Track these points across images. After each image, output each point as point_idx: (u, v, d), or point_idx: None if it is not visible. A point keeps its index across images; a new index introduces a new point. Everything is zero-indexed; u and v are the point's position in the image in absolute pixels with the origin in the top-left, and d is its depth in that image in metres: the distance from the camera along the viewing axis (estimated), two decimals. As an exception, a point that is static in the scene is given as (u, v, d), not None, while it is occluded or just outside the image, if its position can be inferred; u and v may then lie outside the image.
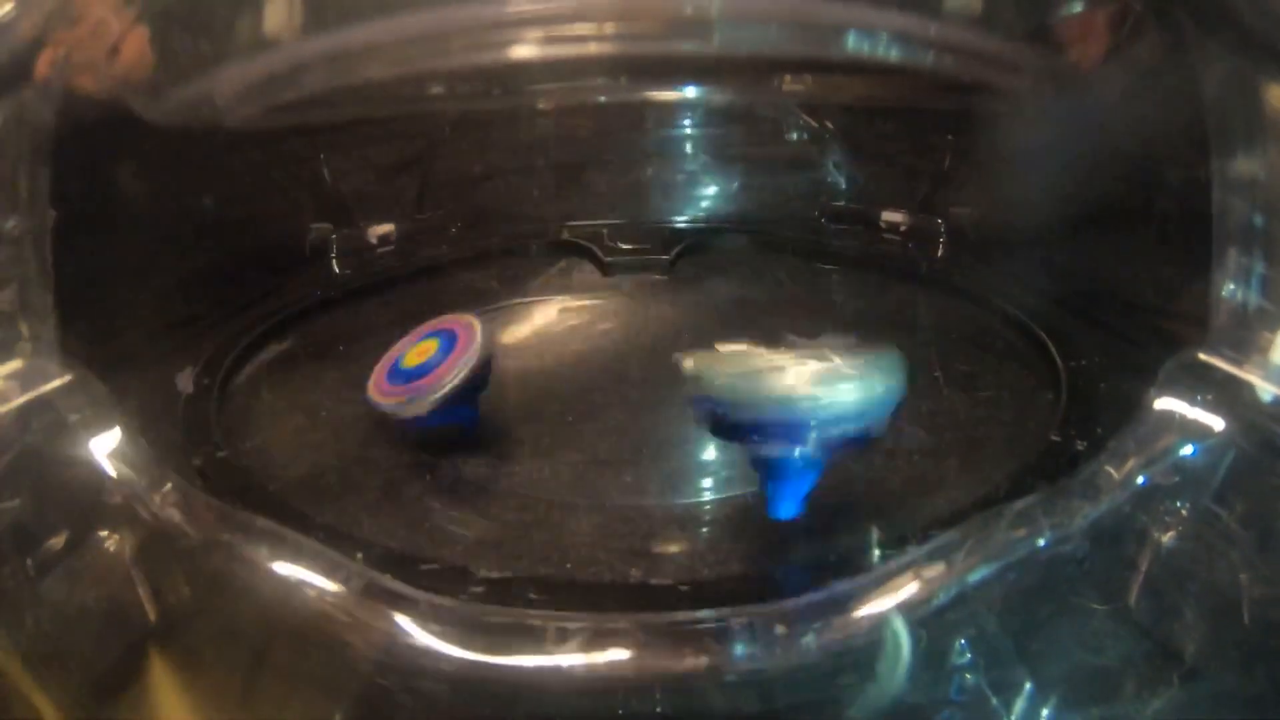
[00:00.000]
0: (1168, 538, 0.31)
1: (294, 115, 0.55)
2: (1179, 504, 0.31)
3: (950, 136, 0.66)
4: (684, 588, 0.33)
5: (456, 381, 0.38)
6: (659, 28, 0.53)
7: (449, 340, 0.40)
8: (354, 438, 0.44)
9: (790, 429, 0.28)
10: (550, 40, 0.53)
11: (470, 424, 0.41)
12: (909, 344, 0.50)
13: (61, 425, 0.34)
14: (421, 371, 0.39)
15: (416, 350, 0.40)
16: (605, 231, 0.66)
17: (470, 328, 0.40)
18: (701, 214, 0.73)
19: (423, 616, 0.28)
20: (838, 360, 0.28)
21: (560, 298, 0.60)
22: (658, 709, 0.27)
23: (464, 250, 0.66)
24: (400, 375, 0.40)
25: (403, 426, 0.40)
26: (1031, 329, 0.50)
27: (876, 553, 0.34)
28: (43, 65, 0.36)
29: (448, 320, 0.42)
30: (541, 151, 0.73)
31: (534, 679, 0.27)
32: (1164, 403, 0.33)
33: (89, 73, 0.41)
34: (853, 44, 0.51)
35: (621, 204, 0.72)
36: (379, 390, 0.40)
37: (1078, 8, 0.51)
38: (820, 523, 0.37)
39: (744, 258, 0.66)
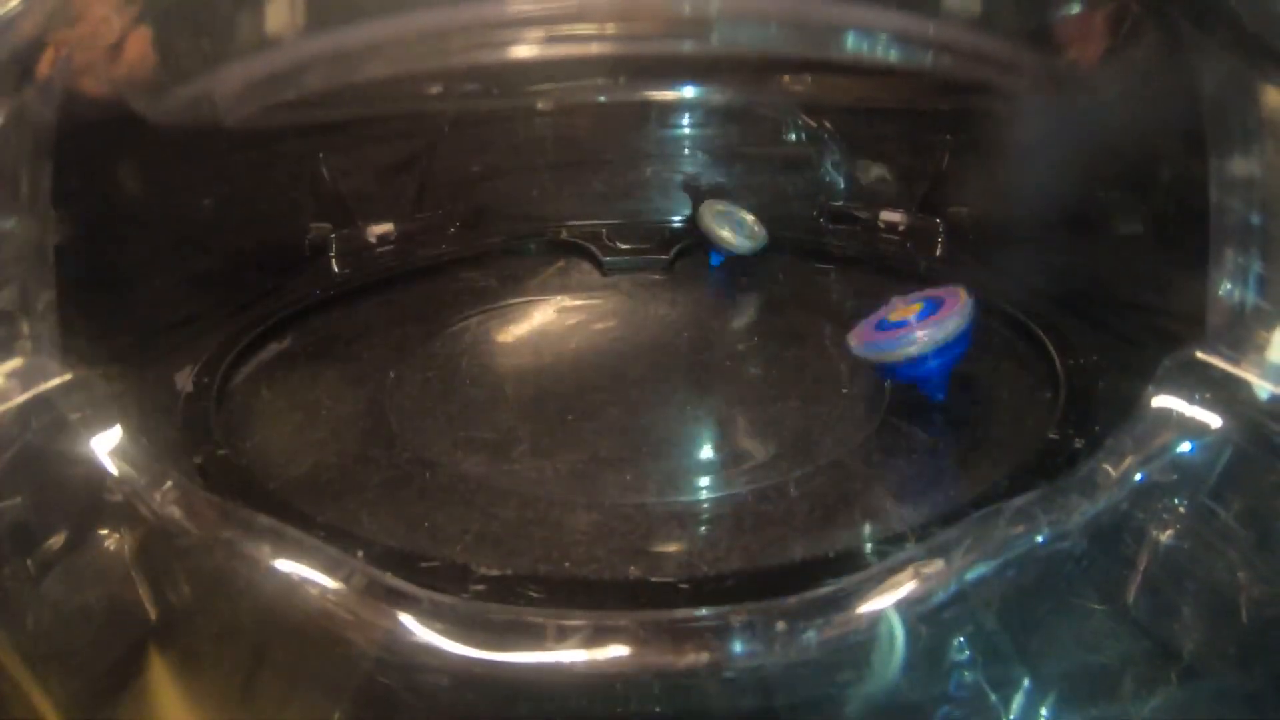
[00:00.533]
0: (1165, 535, 0.31)
1: (294, 114, 0.55)
2: (1177, 501, 0.31)
3: (949, 136, 0.66)
4: (683, 585, 0.33)
5: (927, 338, 0.40)
6: (658, 28, 0.53)
7: (933, 305, 0.42)
8: (354, 436, 0.44)
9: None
10: (550, 40, 0.53)
11: (933, 392, 0.43)
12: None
13: (62, 423, 0.34)
14: (900, 325, 0.42)
15: (901, 310, 0.43)
16: (604, 231, 0.67)
17: (957, 295, 0.42)
18: (700, 213, 0.73)
19: (424, 614, 0.28)
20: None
21: (559, 297, 0.60)
22: (658, 706, 0.27)
23: (463, 249, 0.66)
24: (883, 327, 0.43)
25: (881, 372, 0.44)
26: (1030, 328, 0.50)
27: (875, 550, 0.34)
28: (44, 65, 0.36)
29: (939, 290, 0.44)
30: (541, 151, 0.73)
31: (534, 676, 0.27)
32: (1161, 401, 0.33)
33: (91, 73, 0.41)
34: (852, 44, 0.51)
35: (620, 203, 0.72)
36: (860, 339, 0.43)
37: (1076, 8, 0.51)
38: (820, 521, 0.37)
39: (743, 257, 0.67)
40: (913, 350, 0.41)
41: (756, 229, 0.62)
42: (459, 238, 0.69)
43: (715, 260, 0.63)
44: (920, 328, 0.41)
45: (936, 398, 0.43)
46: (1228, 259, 0.34)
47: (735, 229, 0.61)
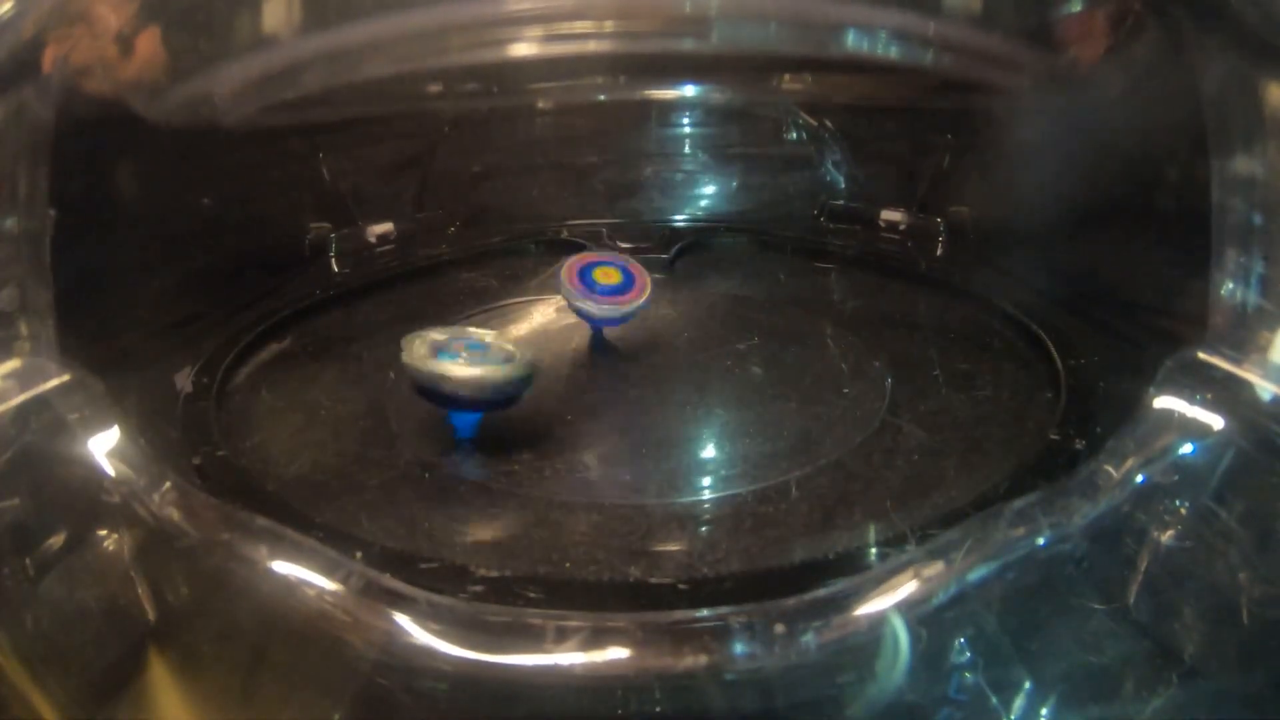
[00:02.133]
0: (1167, 537, 0.31)
1: (293, 114, 0.55)
2: (1178, 503, 0.31)
3: (949, 135, 0.66)
4: (683, 586, 0.33)
5: (638, 304, 0.51)
6: (658, 26, 0.53)
7: (628, 279, 0.51)
8: (353, 437, 0.44)
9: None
10: (549, 38, 0.53)
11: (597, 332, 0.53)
12: (908, 343, 0.51)
13: (60, 424, 0.34)
14: (609, 290, 0.51)
15: (605, 271, 0.51)
16: (604, 230, 0.67)
17: (645, 281, 0.51)
18: (700, 213, 0.73)
19: (422, 615, 0.28)
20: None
21: (559, 296, 0.60)
22: (657, 708, 0.27)
23: (463, 249, 0.66)
24: (591, 284, 0.51)
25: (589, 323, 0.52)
26: (1031, 328, 0.50)
27: (876, 551, 0.34)
28: (45, 64, 0.36)
29: (625, 260, 0.53)
30: (541, 150, 0.73)
31: (533, 678, 0.27)
32: (1163, 401, 0.33)
33: (97, 72, 0.41)
34: (852, 42, 0.51)
35: (621, 203, 0.72)
36: (570, 283, 0.50)
37: (1077, 6, 0.51)
38: (820, 522, 0.37)
39: (743, 256, 0.67)
40: (591, 314, 0.50)
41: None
42: (459, 238, 0.69)
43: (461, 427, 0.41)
44: (607, 304, 0.50)
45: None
46: (1230, 259, 0.34)
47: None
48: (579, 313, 0.51)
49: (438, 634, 0.27)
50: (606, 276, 0.51)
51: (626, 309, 0.50)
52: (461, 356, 0.40)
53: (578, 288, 0.50)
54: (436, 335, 0.41)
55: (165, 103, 0.48)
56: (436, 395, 0.40)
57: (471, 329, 0.44)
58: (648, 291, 0.51)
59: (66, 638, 0.31)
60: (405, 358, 0.40)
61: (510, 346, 0.42)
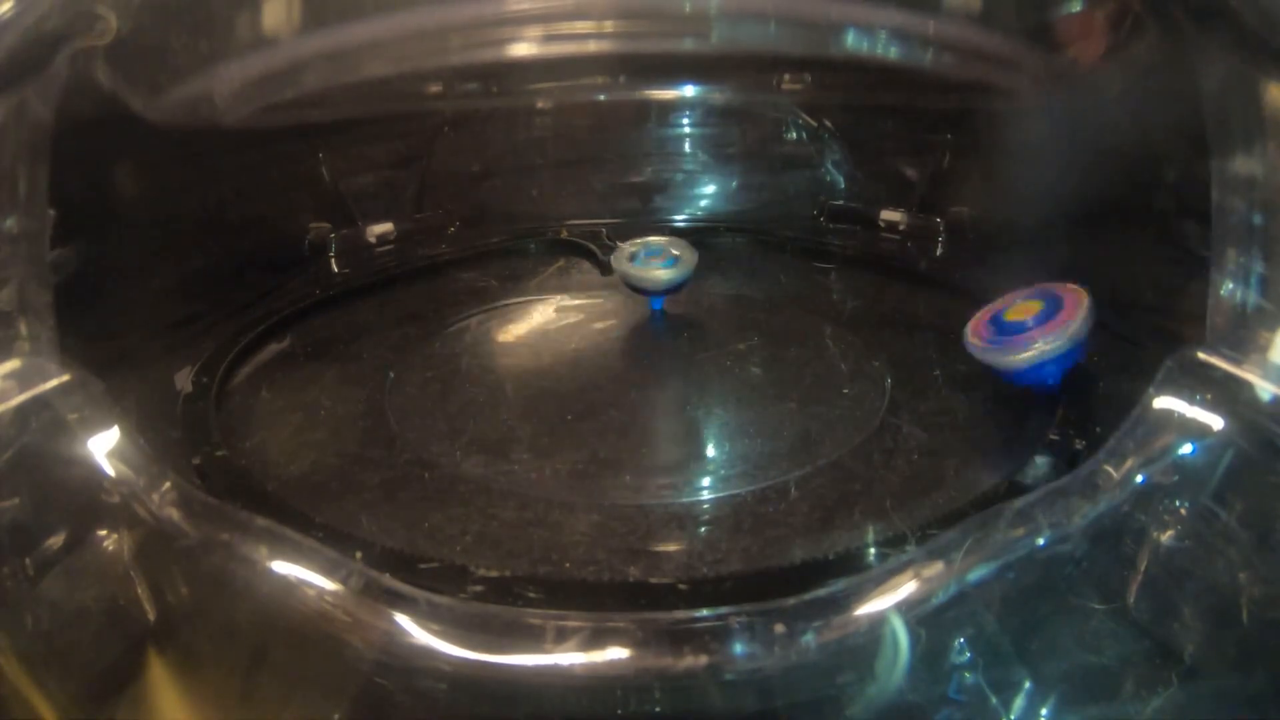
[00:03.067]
0: (1166, 537, 0.31)
1: (293, 114, 0.55)
2: (1178, 503, 0.31)
3: (949, 135, 0.66)
4: (683, 586, 0.33)
5: (1048, 347, 0.41)
6: (658, 26, 0.53)
7: (1053, 305, 0.42)
8: (353, 437, 0.44)
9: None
10: (549, 38, 0.53)
11: (1050, 387, 0.43)
12: (908, 343, 0.51)
13: (60, 424, 0.34)
14: (1019, 328, 0.42)
15: (1022, 307, 0.43)
16: (604, 230, 0.67)
17: (1078, 298, 0.42)
18: (700, 213, 0.73)
19: (422, 615, 0.28)
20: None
21: (559, 297, 0.60)
22: (657, 708, 0.27)
23: (463, 249, 0.66)
24: (1000, 326, 0.43)
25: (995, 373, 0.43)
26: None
27: (875, 552, 0.34)
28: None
29: (1056, 286, 0.44)
30: (540, 150, 0.73)
31: (533, 678, 0.27)
32: (1163, 402, 0.33)
33: None
34: (852, 42, 0.51)
35: (620, 203, 0.72)
36: (979, 337, 0.43)
37: (1077, 6, 0.51)
38: (820, 522, 0.37)
39: (743, 256, 0.67)
40: (1028, 357, 0.41)
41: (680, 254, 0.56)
42: (459, 238, 0.69)
43: (656, 303, 0.57)
44: (1040, 335, 0.41)
45: (1049, 386, 0.43)
46: (1230, 259, 0.34)
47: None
48: (1005, 373, 0.42)
49: (438, 634, 0.27)
50: (1021, 313, 0.42)
51: (1061, 341, 0.40)
52: (653, 262, 0.55)
53: (991, 344, 0.42)
54: (631, 248, 0.56)
55: (165, 103, 0.48)
56: (640, 289, 0.55)
57: (653, 239, 0.57)
58: (1084, 306, 0.41)
59: (66, 638, 0.31)
60: (617, 265, 0.55)
61: (680, 250, 0.55)
